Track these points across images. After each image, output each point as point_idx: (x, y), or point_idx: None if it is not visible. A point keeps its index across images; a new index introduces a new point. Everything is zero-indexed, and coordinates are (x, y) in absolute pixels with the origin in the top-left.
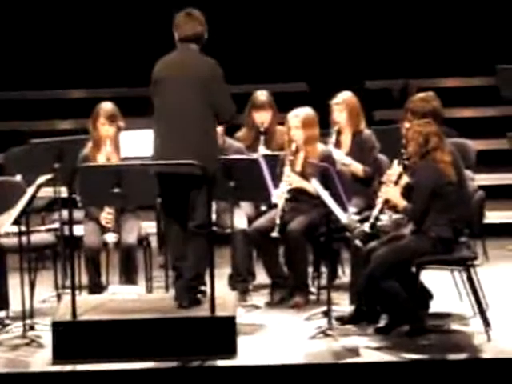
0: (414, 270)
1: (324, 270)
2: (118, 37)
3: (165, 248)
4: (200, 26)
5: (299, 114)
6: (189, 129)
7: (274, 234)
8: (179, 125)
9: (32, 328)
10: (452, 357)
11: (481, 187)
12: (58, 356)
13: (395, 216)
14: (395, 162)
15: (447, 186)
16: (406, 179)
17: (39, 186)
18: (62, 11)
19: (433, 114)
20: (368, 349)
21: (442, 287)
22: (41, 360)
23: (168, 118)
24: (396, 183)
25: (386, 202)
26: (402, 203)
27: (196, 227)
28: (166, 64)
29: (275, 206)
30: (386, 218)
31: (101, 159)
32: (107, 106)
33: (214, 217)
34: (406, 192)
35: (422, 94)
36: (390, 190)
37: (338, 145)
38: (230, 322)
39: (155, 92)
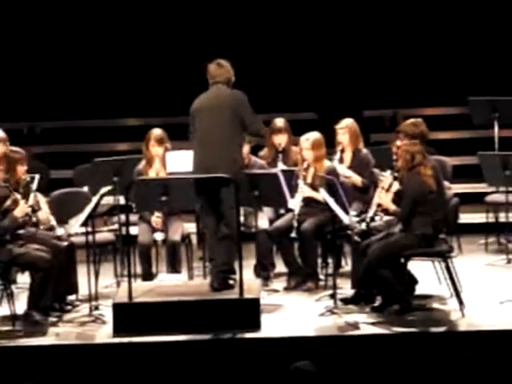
0: (402, 260)
1: (330, 260)
2: (166, 75)
3: (203, 244)
4: (228, 74)
5: (309, 138)
6: (221, 146)
7: (293, 235)
8: (214, 143)
9: (96, 308)
10: (433, 330)
11: (456, 194)
12: (118, 330)
13: (386, 218)
14: (388, 171)
15: (429, 194)
16: (396, 186)
17: (102, 195)
18: (123, 55)
19: (420, 136)
20: (366, 324)
21: (425, 274)
22: (103, 334)
23: (205, 139)
24: (388, 190)
25: (379, 206)
26: (393, 207)
27: (225, 226)
28: (202, 99)
29: (291, 210)
30: (379, 219)
31: (151, 174)
32: (157, 132)
33: (242, 219)
34: (397, 197)
35: (412, 120)
36: (383, 197)
37: (341, 161)
38: (255, 302)
39: (194, 120)
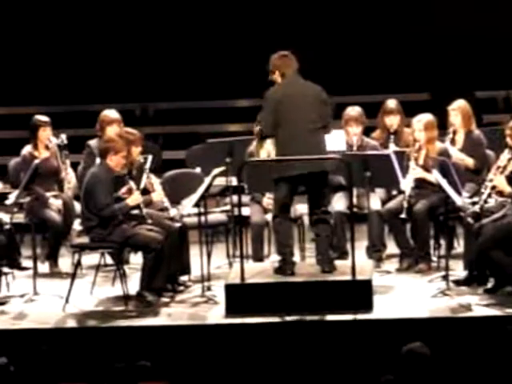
0: None
1: (443, 242)
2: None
3: None
4: (296, 64)
5: (422, 120)
6: (314, 133)
7: (403, 216)
8: (308, 130)
9: (209, 289)
10: None
11: None
12: (230, 311)
13: (500, 199)
14: (506, 150)
15: None
16: None
17: (214, 176)
18: (235, 37)
19: None
20: (478, 305)
21: None
22: (216, 314)
23: (297, 126)
24: (504, 168)
25: (494, 188)
26: (508, 189)
27: (323, 212)
28: (288, 87)
29: (403, 191)
30: (492, 201)
31: (263, 154)
32: None
33: (354, 200)
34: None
35: None
36: (498, 178)
37: (453, 142)
38: (367, 284)
39: (278, 109)
